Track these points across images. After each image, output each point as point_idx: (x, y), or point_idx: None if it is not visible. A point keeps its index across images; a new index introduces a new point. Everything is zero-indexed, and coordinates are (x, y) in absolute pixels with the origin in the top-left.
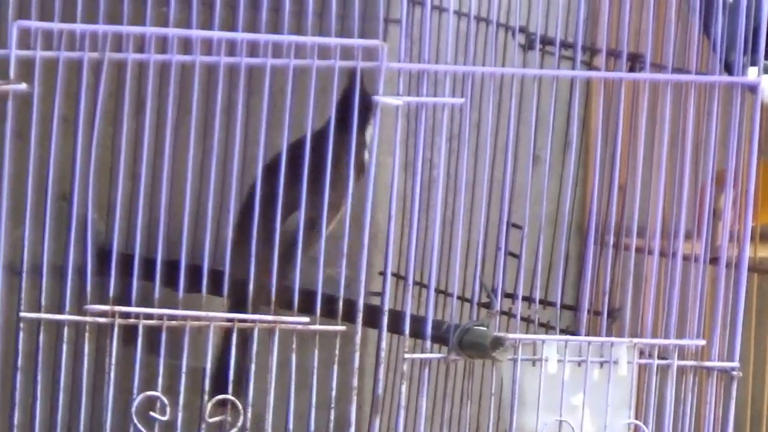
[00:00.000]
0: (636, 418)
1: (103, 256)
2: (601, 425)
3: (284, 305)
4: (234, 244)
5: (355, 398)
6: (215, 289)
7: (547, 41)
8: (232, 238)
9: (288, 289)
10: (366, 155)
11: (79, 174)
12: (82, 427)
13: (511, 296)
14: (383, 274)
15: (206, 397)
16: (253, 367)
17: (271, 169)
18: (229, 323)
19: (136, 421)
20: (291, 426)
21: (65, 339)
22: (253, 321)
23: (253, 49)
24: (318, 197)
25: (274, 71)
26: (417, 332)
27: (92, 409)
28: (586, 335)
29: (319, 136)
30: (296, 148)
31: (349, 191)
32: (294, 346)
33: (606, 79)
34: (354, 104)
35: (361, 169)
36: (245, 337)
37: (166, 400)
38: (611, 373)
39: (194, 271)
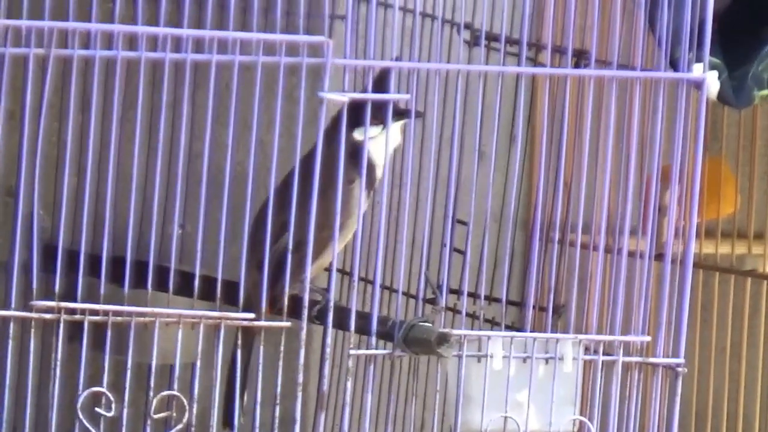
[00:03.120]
0: (581, 415)
1: (48, 252)
2: (546, 421)
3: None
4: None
5: (300, 394)
6: (160, 285)
7: (492, 37)
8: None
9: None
10: (375, 157)
11: (24, 169)
12: (27, 423)
13: (456, 292)
14: (329, 269)
15: (152, 393)
16: (199, 362)
17: (280, 189)
18: (175, 320)
19: (81, 416)
20: (237, 422)
21: (11, 335)
22: (199, 317)
23: (199, 45)
24: (305, 219)
25: (220, 67)
26: (362, 328)
27: (38, 405)
28: (531, 331)
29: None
30: (304, 164)
31: (337, 213)
32: (239, 342)
33: (551, 76)
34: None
35: (370, 182)
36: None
37: (111, 396)
38: (556, 369)
39: (140, 267)
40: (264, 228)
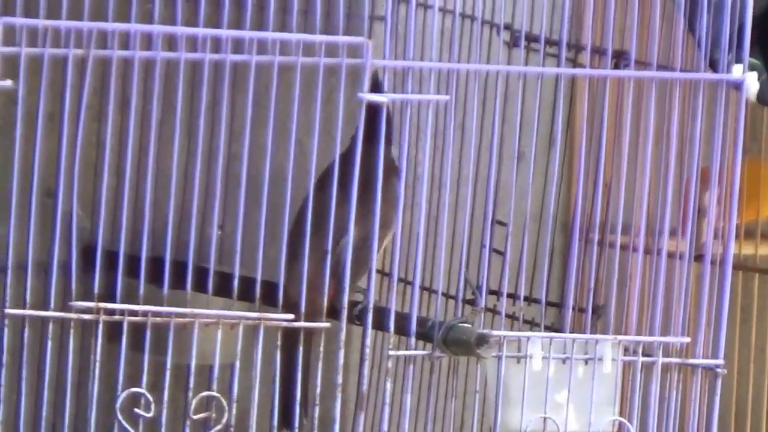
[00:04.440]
0: (620, 416)
1: (87, 253)
2: (586, 422)
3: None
4: (286, 259)
5: (339, 395)
6: (199, 285)
7: (531, 38)
8: (286, 253)
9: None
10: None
11: (63, 170)
12: (66, 424)
13: (495, 293)
14: (368, 270)
15: (191, 394)
16: (238, 363)
17: (320, 187)
18: (214, 321)
19: (120, 417)
20: (275, 423)
21: (50, 335)
22: (238, 318)
23: (238, 46)
24: (368, 217)
25: (259, 68)
26: (401, 329)
27: (77, 406)
28: (570, 332)
29: (350, 156)
30: (341, 166)
31: (399, 209)
32: (279, 342)
33: (591, 77)
34: (381, 119)
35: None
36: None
37: (150, 397)
38: (596, 370)
39: (179, 268)
40: (320, 228)
